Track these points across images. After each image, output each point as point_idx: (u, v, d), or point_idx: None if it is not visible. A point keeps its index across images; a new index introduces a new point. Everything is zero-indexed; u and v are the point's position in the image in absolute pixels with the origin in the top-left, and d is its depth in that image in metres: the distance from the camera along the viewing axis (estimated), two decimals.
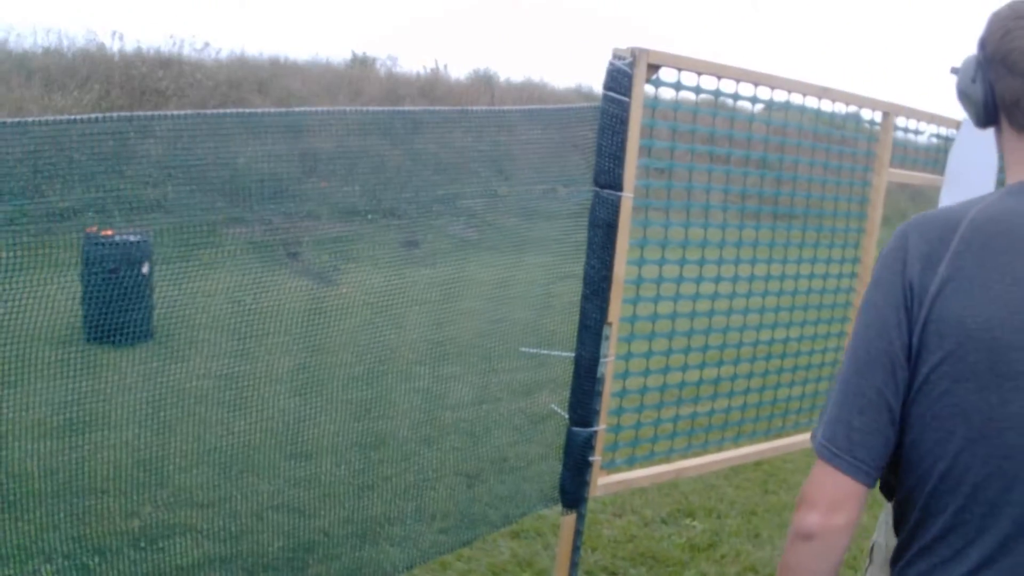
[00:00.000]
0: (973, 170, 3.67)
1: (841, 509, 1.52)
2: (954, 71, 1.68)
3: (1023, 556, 1.43)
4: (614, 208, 3.00)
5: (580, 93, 21.21)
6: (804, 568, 1.57)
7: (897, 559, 1.62)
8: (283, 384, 2.70)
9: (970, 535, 1.47)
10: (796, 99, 3.50)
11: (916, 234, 1.52)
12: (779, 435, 4.11)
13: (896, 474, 1.60)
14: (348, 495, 2.84)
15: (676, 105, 3.24)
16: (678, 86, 3.14)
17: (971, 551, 1.47)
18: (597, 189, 3.00)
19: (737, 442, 3.96)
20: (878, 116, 3.84)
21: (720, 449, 3.87)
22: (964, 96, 1.64)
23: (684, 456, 3.75)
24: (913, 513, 1.56)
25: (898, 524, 1.64)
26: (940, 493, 1.50)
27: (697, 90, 3.19)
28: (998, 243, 1.46)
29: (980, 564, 1.45)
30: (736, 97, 3.31)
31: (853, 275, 4.09)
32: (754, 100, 3.36)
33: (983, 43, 1.57)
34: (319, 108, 2.42)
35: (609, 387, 3.21)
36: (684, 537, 4.91)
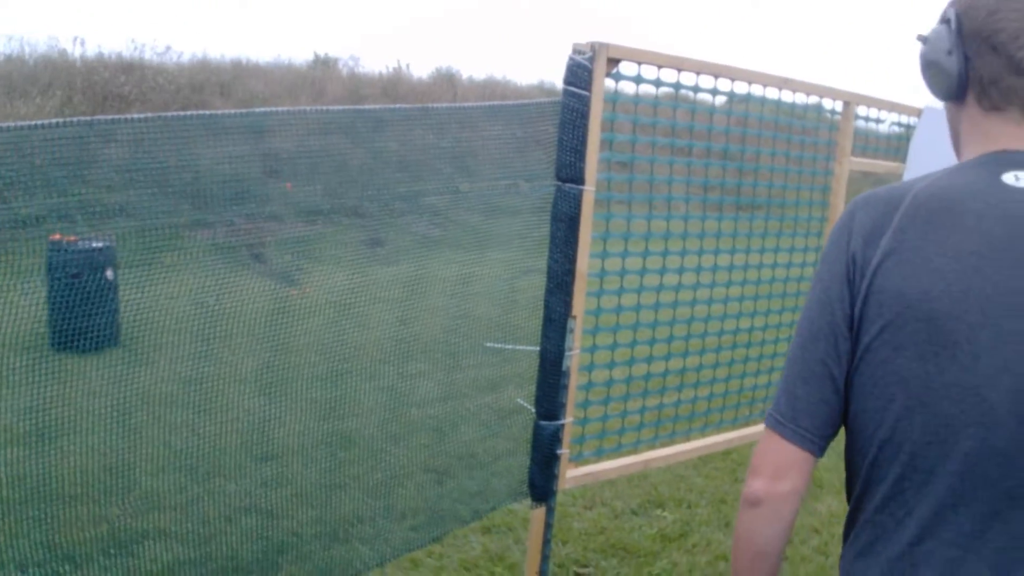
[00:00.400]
0: (935, 157, 3.77)
1: (785, 476, 1.59)
2: (922, 40, 1.71)
3: (959, 527, 1.49)
4: (576, 202, 3.08)
5: (543, 89, 21.75)
6: (754, 534, 1.65)
7: (847, 530, 1.69)
8: (249, 386, 2.76)
9: (909, 504, 1.54)
10: (757, 90, 3.59)
11: (862, 211, 1.60)
12: (746, 424, 4.23)
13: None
14: (317, 495, 2.91)
15: (636, 99, 3.32)
16: (638, 79, 3.22)
17: (909, 521, 1.53)
18: (559, 183, 3.08)
19: (704, 432, 4.06)
20: (839, 106, 3.95)
21: (688, 439, 3.98)
22: (935, 66, 1.68)
23: (652, 447, 3.84)
24: (858, 483, 1.63)
25: (848, 495, 1.71)
26: (881, 462, 1.56)
27: (657, 83, 3.27)
28: (940, 218, 1.52)
29: (918, 535, 1.52)
30: (696, 89, 3.40)
31: (816, 263, 4.20)
32: (714, 92, 3.46)
33: (961, 17, 1.61)
34: (280, 108, 2.48)
35: (575, 380, 3.30)
36: (655, 528, 5.03)
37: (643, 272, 3.56)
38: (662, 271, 3.64)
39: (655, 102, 3.41)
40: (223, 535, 2.73)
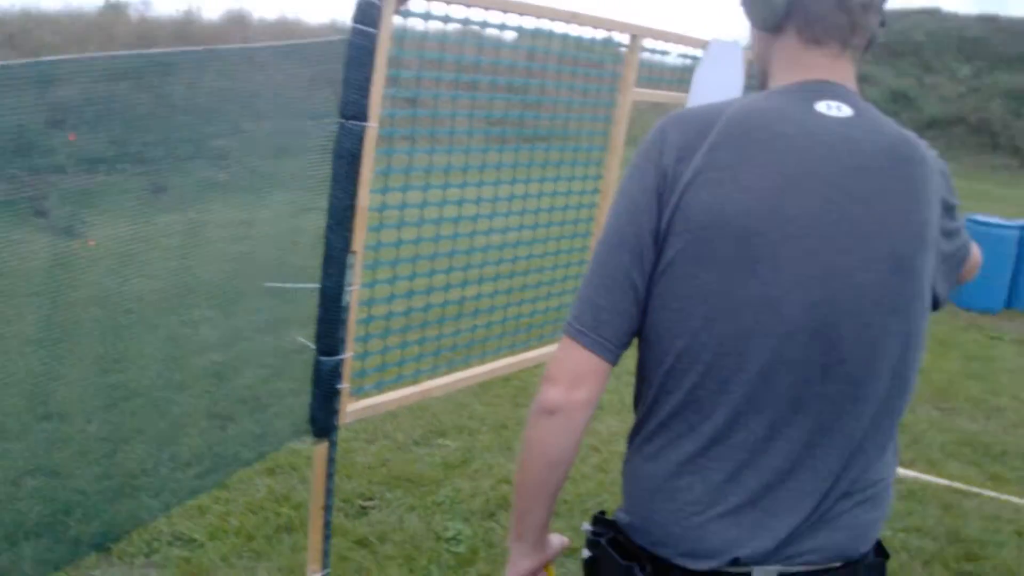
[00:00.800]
0: (717, 87, 4.24)
1: (583, 384, 1.77)
2: None
3: (751, 432, 1.73)
4: (358, 138, 3.28)
5: (335, 28, 22.76)
6: (547, 443, 1.82)
7: (634, 436, 1.91)
8: (31, 343, 2.89)
9: (704, 411, 1.75)
10: (545, 24, 3.90)
11: (674, 128, 1.77)
12: (524, 349, 4.61)
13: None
14: (102, 450, 3.08)
15: (424, 35, 3.57)
16: (427, 16, 3.47)
17: (704, 426, 1.75)
18: (342, 121, 3.29)
19: (483, 359, 4.42)
20: (625, 39, 4.33)
21: (467, 367, 4.32)
22: None
23: (432, 377, 4.18)
24: (651, 391, 1.83)
25: (636, 402, 1.93)
26: (677, 371, 1.76)
27: (446, 19, 3.53)
28: (753, 139, 1.72)
29: (712, 439, 1.75)
30: (484, 25, 3.68)
31: (596, 191, 4.64)
32: (502, 27, 3.75)
33: None
34: (67, 56, 2.58)
35: (354, 315, 3.55)
36: (438, 456, 5.56)
37: (423, 205, 3.83)
38: (442, 203, 3.92)
39: (443, 38, 3.66)
40: (9, 500, 2.88)
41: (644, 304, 1.78)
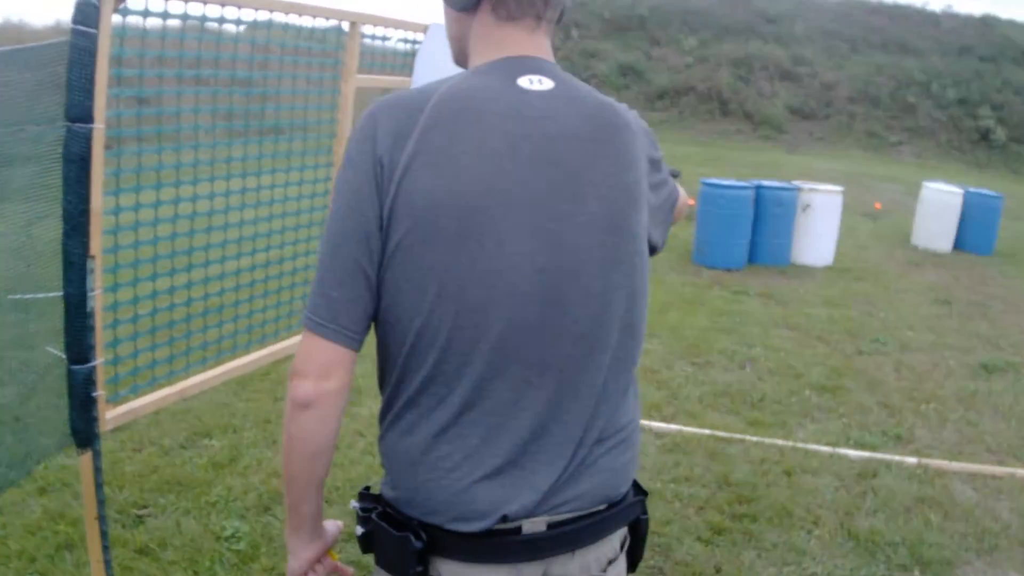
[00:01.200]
0: (439, 70, 4.60)
1: (332, 375, 1.87)
2: None
3: (499, 396, 1.87)
4: (86, 141, 3.44)
5: (60, 29, 22.46)
6: (305, 436, 1.92)
7: (385, 414, 2.04)
8: None
9: (451, 383, 1.87)
10: (264, 15, 4.19)
11: (384, 114, 1.87)
12: (274, 341, 4.90)
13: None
14: None
15: (144, 32, 3.81)
16: (146, 13, 3.72)
17: (452, 397, 1.88)
18: (69, 124, 3.49)
19: (235, 354, 4.68)
20: (346, 26, 4.68)
21: (220, 363, 4.53)
22: None
23: (186, 376, 4.32)
24: (396, 370, 1.95)
25: (381, 382, 2.06)
26: (418, 349, 1.88)
27: (165, 15, 3.78)
28: (463, 119, 1.83)
29: (462, 408, 1.89)
30: (204, 19, 3.96)
31: (328, 179, 4.99)
32: (221, 20, 4.03)
33: None
34: None
35: (100, 320, 3.68)
36: (205, 457, 5.88)
37: (157, 205, 4.02)
38: (176, 202, 4.12)
39: (163, 34, 3.91)
40: None
41: (377, 289, 1.89)
